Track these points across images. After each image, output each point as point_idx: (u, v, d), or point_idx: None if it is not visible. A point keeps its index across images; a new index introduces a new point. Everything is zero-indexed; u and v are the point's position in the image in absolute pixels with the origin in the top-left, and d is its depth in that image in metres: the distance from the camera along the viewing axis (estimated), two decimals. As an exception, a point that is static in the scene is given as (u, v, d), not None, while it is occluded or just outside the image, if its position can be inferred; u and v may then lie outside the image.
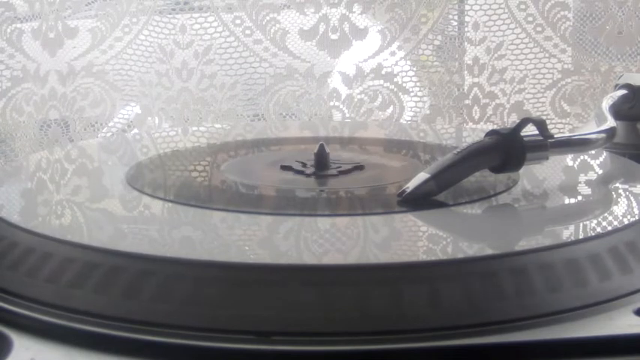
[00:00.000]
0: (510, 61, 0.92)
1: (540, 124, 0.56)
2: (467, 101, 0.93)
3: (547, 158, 0.56)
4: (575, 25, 0.92)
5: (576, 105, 0.93)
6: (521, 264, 0.44)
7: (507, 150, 0.55)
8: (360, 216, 0.53)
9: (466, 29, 0.92)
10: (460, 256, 0.48)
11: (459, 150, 0.54)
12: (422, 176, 0.53)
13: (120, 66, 0.89)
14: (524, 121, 0.56)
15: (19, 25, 0.84)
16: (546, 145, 0.56)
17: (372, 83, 0.91)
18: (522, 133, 0.55)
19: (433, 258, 0.47)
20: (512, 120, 0.92)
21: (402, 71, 0.92)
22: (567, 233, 0.51)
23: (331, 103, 0.91)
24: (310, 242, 0.48)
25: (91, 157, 0.70)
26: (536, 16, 0.91)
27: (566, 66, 0.93)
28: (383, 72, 0.91)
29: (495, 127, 0.85)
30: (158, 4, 0.88)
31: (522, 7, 0.91)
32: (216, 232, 0.51)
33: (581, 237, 0.49)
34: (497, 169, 0.55)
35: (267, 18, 0.88)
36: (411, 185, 0.52)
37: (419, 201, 0.52)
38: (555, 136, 0.56)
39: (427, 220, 0.52)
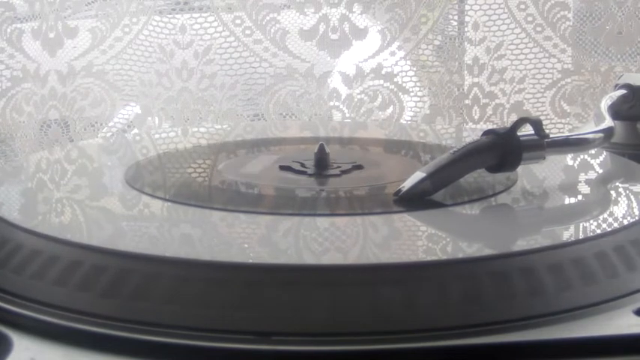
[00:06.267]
0: (510, 61, 0.92)
1: (536, 124, 0.56)
2: (467, 101, 0.93)
3: (544, 158, 0.56)
4: (575, 25, 0.92)
5: (576, 105, 0.93)
6: (520, 264, 0.44)
7: (504, 149, 0.55)
8: (360, 216, 0.53)
9: (466, 29, 0.92)
10: (459, 256, 0.48)
11: (455, 149, 0.54)
12: (418, 175, 0.53)
13: (120, 66, 0.89)
14: (520, 121, 0.56)
15: (19, 25, 0.84)
16: (543, 144, 0.56)
17: (372, 83, 0.91)
18: (519, 133, 0.55)
19: (432, 258, 0.47)
20: (512, 120, 0.92)
21: (402, 71, 0.92)
22: (567, 233, 0.51)
23: (331, 103, 0.91)
24: (310, 242, 0.48)
25: (90, 157, 0.70)
26: (535, 16, 0.91)
27: (566, 66, 0.93)
28: (383, 72, 0.91)
29: (495, 127, 0.85)
30: (158, 4, 0.88)
31: (522, 7, 0.91)
32: (216, 232, 0.51)
33: (580, 237, 0.49)
34: (493, 169, 0.55)
35: (267, 18, 0.88)
36: (407, 184, 0.52)
37: (415, 200, 0.52)
38: (552, 135, 0.57)
39: (425, 220, 0.52)
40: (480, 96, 0.93)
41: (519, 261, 0.44)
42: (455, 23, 0.93)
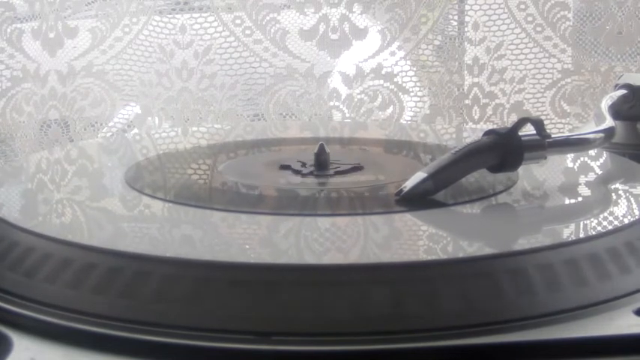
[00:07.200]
0: (510, 61, 0.92)
1: (538, 124, 0.56)
2: (467, 101, 0.93)
3: (545, 158, 0.56)
4: (575, 25, 0.92)
5: (576, 105, 0.93)
6: (520, 264, 0.44)
7: (505, 150, 0.55)
8: (360, 216, 0.53)
9: (466, 29, 0.92)
10: (460, 255, 0.48)
11: (456, 149, 0.54)
12: (419, 175, 0.53)
13: (120, 66, 0.89)
14: (521, 121, 0.56)
15: (19, 25, 0.84)
16: (544, 144, 0.56)
17: (372, 83, 0.91)
18: (520, 133, 0.55)
19: (433, 257, 0.47)
20: (512, 120, 0.92)
21: (402, 71, 0.92)
22: (567, 233, 0.51)
23: (331, 103, 0.91)
24: (310, 242, 0.48)
25: (90, 157, 0.70)
26: (535, 16, 0.91)
27: (566, 66, 0.93)
28: (383, 72, 0.91)
29: (495, 127, 0.85)
30: (158, 4, 0.89)
31: (522, 7, 0.91)
32: (217, 232, 0.51)
33: (581, 237, 0.49)
34: (495, 169, 0.55)
35: (267, 18, 0.88)
36: (409, 184, 0.52)
37: (416, 200, 0.52)
38: (553, 135, 0.57)
39: (426, 220, 0.52)
40: (480, 96, 0.93)
41: (520, 260, 0.44)
42: (455, 23, 0.93)
